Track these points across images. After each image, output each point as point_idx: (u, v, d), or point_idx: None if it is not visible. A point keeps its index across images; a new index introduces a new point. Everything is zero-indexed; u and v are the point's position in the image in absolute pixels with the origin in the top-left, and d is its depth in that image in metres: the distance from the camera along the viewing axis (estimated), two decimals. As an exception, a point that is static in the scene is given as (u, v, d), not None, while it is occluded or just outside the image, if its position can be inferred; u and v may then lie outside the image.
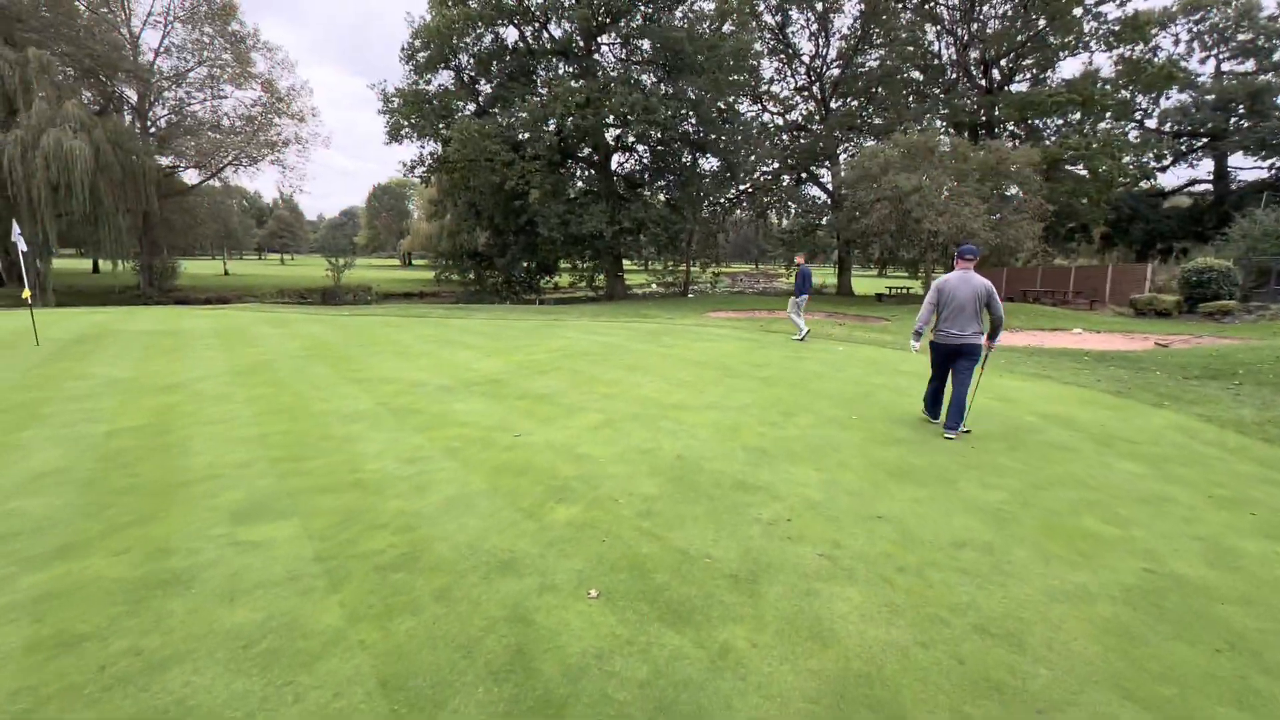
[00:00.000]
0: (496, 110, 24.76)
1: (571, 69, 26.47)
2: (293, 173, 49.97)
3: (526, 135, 24.56)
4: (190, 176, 40.07)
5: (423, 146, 27.91)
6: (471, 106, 27.20)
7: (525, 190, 24.78)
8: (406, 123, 25.57)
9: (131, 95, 35.17)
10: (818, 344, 11.70)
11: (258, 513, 3.64)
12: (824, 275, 56.08)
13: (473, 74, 26.51)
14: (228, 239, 61.92)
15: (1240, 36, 35.90)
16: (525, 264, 31.07)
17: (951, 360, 5.68)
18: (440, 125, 25.35)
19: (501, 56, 27.13)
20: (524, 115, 22.91)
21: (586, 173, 29.80)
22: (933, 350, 5.86)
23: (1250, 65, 36.07)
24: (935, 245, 23.00)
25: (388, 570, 2.98)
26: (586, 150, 29.73)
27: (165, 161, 36.31)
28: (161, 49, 34.67)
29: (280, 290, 41.47)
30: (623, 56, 27.27)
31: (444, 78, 26.61)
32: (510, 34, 26.57)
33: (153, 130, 35.92)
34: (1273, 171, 36.24)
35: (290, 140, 39.62)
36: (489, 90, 27.29)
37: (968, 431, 5.66)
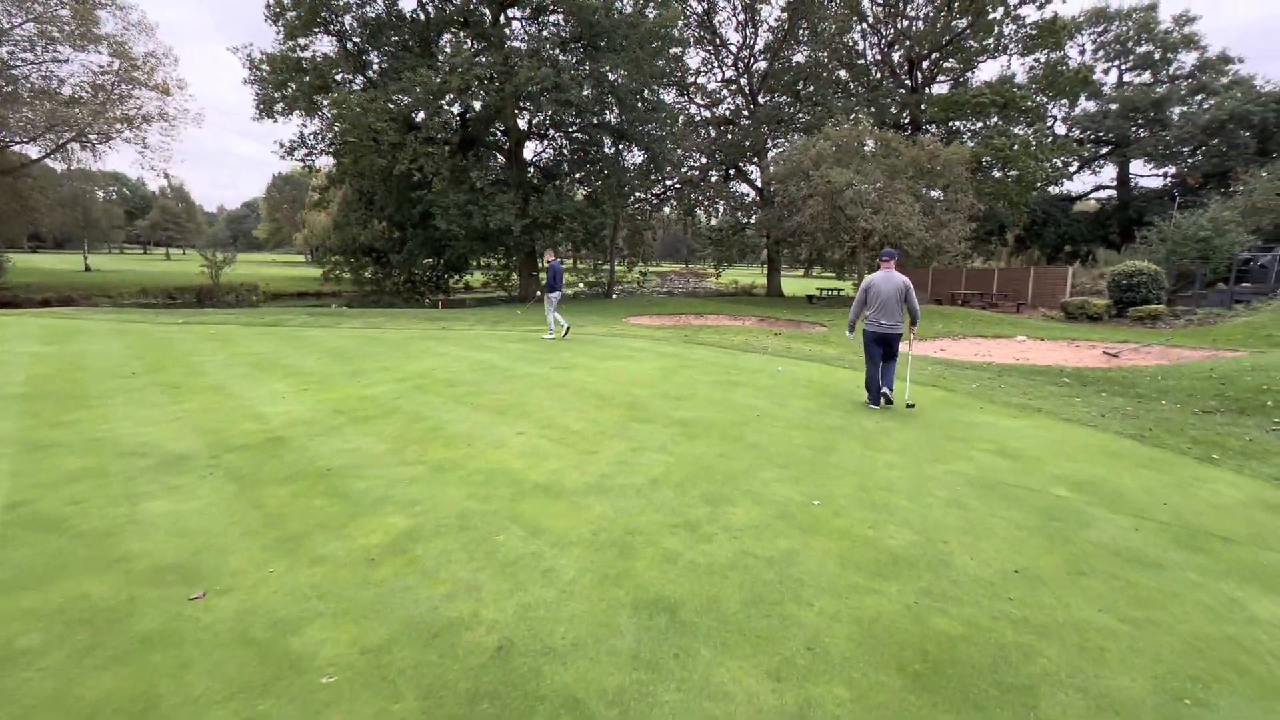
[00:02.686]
0: (389, 85, 21.43)
1: (478, 44, 23.47)
2: (155, 154, 42.94)
3: (422, 115, 21.45)
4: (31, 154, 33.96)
5: (304, 125, 24.10)
6: (360, 81, 23.67)
7: (424, 179, 21.63)
8: (278, 95, 21.77)
9: (-63, 53, 29.05)
10: (753, 360, 9.63)
11: None
12: (753, 276, 55.42)
13: (359, 42, 22.97)
14: (89, 229, 54.08)
15: (1139, 49, 37.35)
16: (429, 261, 27.69)
17: (881, 345, 6.42)
18: (320, 99, 21.73)
19: (397, 26, 23.77)
20: (417, 90, 19.79)
21: (496, 160, 26.82)
22: (865, 338, 6.52)
23: (1148, 77, 37.61)
24: (869, 245, 21.76)
25: None
26: (497, 136, 26.82)
27: (-16, 136, 30.37)
28: (-23, 0, 28.73)
29: (144, 290, 36.05)
30: (533, 32, 24.50)
31: (325, 45, 22.96)
32: (407, 1, 23.31)
33: (-35, 97, 29.85)
34: (1167, 180, 38.00)
35: (153, 116, 34.28)
36: (380, 64, 23.83)
37: (911, 406, 6.53)
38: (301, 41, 21.86)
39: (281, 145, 24.18)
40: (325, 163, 28.33)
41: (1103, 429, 5.92)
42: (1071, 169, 38.56)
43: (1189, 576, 3.17)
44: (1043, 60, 32.64)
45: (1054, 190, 39.34)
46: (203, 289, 36.32)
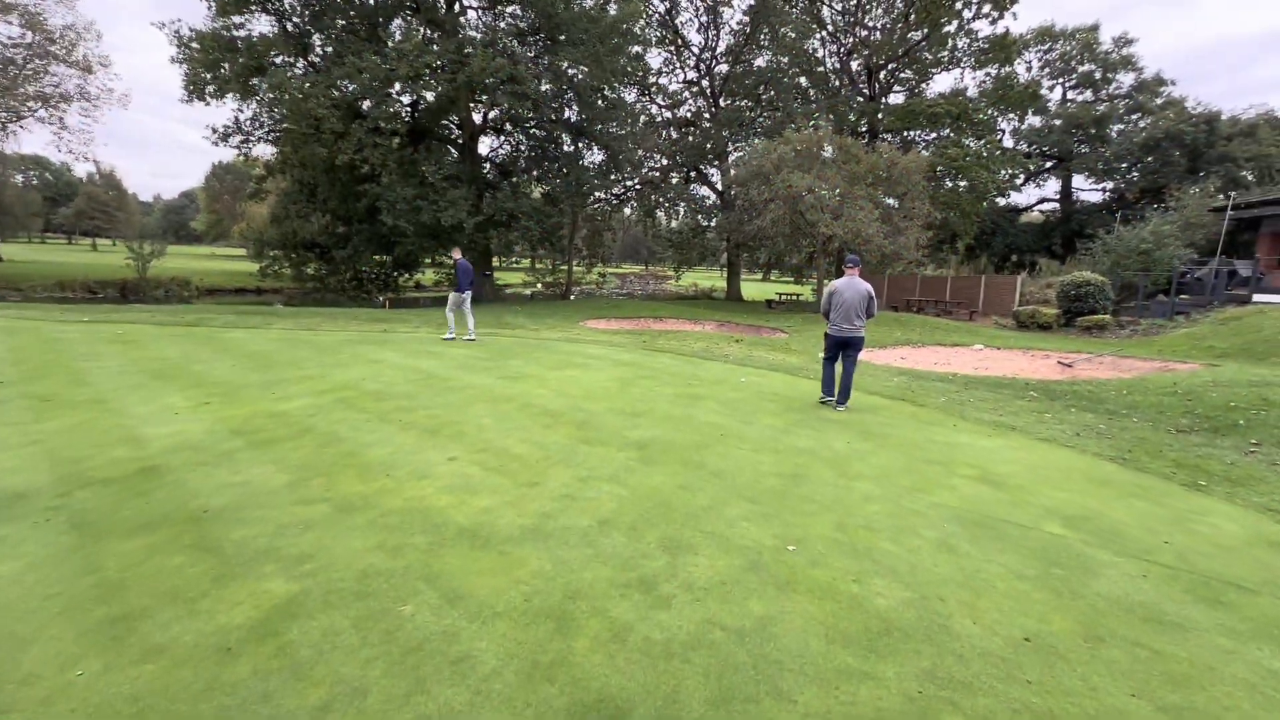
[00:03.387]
0: (332, 71, 20.15)
1: (431, 32, 22.39)
2: (74, 136, 39.19)
3: (369, 103, 20.27)
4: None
5: (239, 109, 22.49)
6: (301, 65, 22.21)
7: (371, 171, 20.44)
8: (209, 75, 20.19)
9: None
10: (715, 369, 9.13)
11: None
12: (713, 279, 55.45)
13: (300, 23, 21.54)
14: (2, 216, 49.94)
15: (1082, 68, 38.84)
16: (376, 258, 26.32)
17: (841, 348, 6.72)
18: (256, 82, 20.25)
19: (342, 9, 22.42)
20: (364, 77, 18.61)
21: (449, 155, 25.70)
22: (826, 340, 6.84)
23: (1089, 95, 39.15)
24: (829, 251, 21.69)
25: None
26: (450, 129, 25.76)
27: None
28: None
29: (61, 283, 33.28)
30: (489, 21, 23.55)
31: (263, 25, 21.46)
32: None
33: None
34: (1105, 194, 39.64)
35: (71, 95, 31.78)
36: (324, 48, 22.42)
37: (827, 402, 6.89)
38: (235, 20, 20.32)
39: (215, 131, 22.56)
40: (264, 151, 26.76)
41: (1081, 450, 5.60)
42: (1019, 181, 39.84)
43: (1218, 641, 2.74)
44: (993, 75, 33.55)
45: (1002, 201, 40.56)
46: (128, 283, 33.81)
